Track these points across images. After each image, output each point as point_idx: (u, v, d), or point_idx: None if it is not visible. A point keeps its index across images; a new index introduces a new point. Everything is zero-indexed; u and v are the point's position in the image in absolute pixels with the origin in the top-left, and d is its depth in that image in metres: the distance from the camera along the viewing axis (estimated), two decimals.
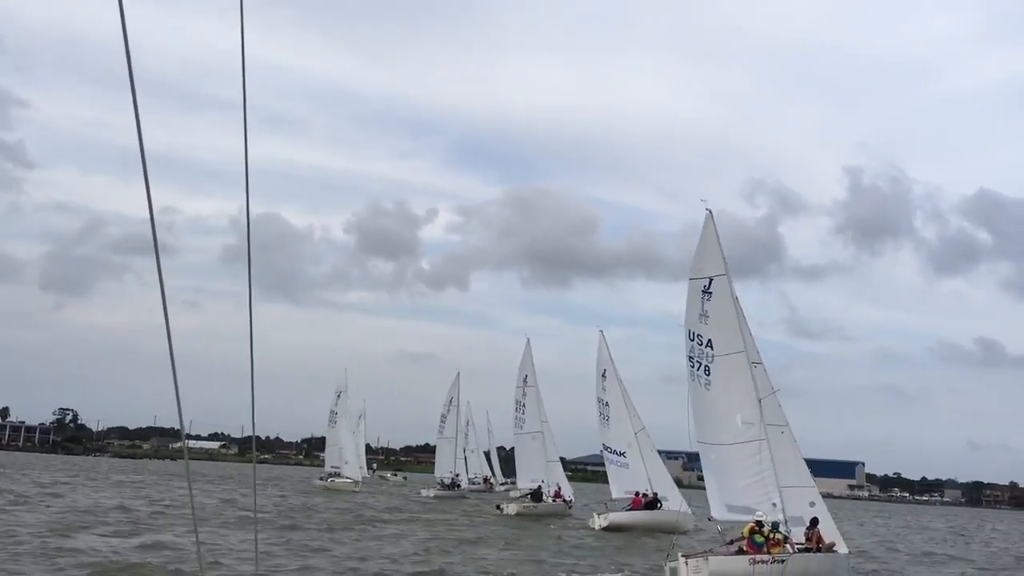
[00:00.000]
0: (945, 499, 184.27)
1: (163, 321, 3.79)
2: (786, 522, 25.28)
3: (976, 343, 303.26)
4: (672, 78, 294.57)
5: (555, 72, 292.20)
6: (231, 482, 73.30)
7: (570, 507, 54.35)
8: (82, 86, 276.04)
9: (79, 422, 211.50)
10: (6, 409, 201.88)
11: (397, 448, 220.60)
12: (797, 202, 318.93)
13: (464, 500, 67.87)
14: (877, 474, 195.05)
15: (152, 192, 3.94)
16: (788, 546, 24.44)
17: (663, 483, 45.50)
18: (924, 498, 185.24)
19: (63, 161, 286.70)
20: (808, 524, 25.61)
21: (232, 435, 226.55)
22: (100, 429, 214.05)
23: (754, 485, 25.87)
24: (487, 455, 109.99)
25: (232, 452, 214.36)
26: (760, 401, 26.47)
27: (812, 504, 26.85)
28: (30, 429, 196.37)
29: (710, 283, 27.30)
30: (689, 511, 44.26)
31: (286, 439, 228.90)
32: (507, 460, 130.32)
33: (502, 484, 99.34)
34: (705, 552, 24.69)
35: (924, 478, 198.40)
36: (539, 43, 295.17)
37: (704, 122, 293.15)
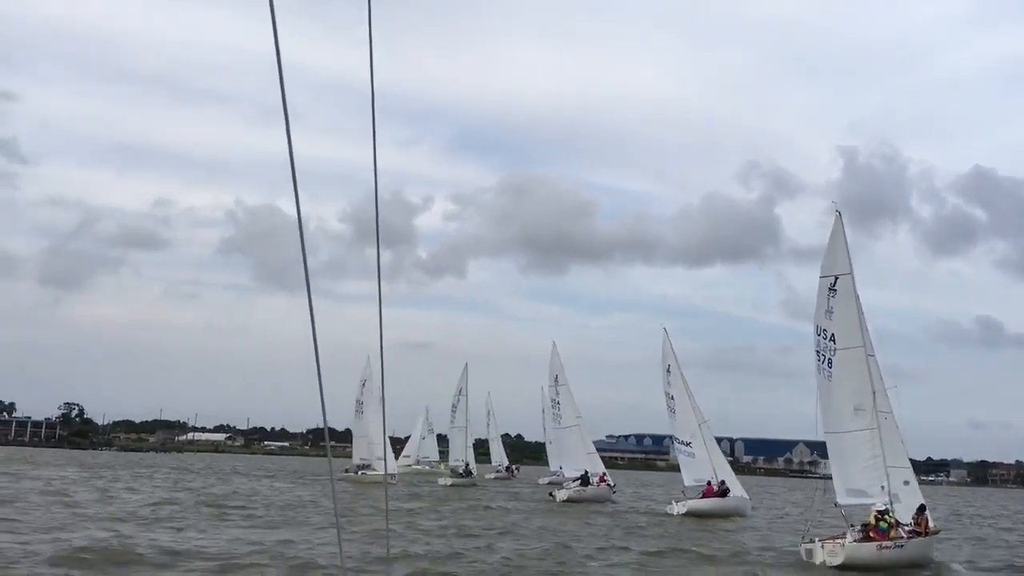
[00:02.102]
0: (951, 479, 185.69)
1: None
2: (891, 503, 27.14)
3: (975, 322, 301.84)
4: (667, 62, 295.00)
5: (550, 57, 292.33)
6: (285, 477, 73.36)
7: (614, 490, 56.73)
8: (73, 79, 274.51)
9: (85, 416, 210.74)
10: (12, 404, 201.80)
11: (402, 437, 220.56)
12: (793, 183, 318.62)
13: (481, 488, 68.64)
14: None
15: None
16: (901, 530, 26.42)
17: (723, 470, 47.70)
18: (930, 478, 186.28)
19: (57, 155, 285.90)
20: (916, 510, 27.63)
21: (238, 427, 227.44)
22: (106, 423, 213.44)
23: (868, 470, 28.05)
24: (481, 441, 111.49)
25: (238, 444, 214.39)
26: (875, 393, 28.48)
27: (906, 483, 29.03)
28: (36, 424, 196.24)
29: (835, 281, 28.94)
30: (747, 497, 47.13)
31: (291, 430, 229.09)
32: (512, 447, 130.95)
33: (506, 469, 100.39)
34: (841, 537, 26.30)
35: (929, 458, 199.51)
36: (535, 28, 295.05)
37: (699, 105, 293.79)
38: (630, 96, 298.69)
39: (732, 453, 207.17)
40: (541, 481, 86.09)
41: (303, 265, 3.55)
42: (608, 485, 56.28)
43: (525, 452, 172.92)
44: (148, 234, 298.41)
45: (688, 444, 48.08)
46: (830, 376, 28.74)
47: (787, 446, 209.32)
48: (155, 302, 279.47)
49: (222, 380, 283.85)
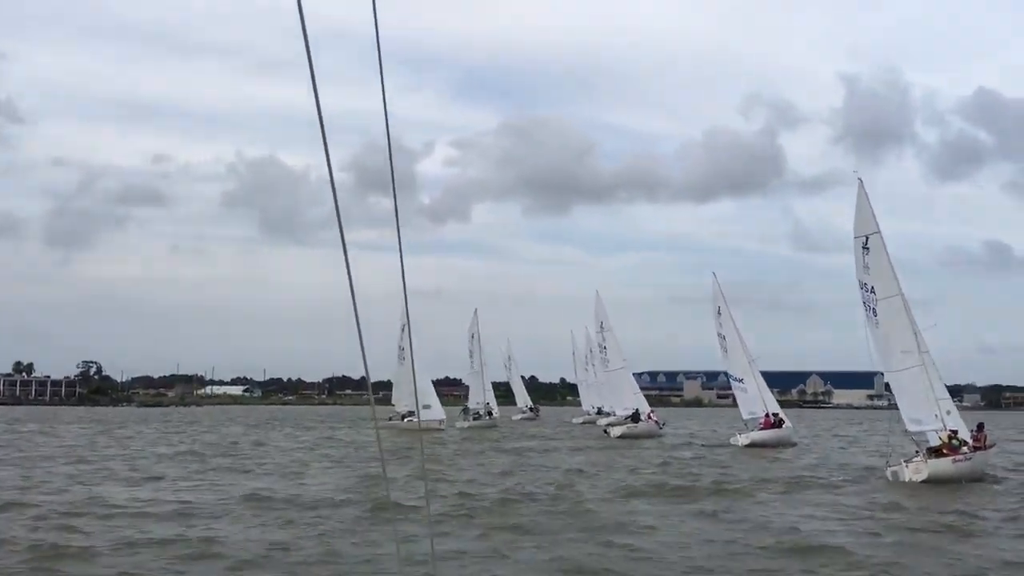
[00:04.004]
0: (964, 403, 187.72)
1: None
2: (944, 427, 30.43)
3: (984, 246, 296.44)
4: None
5: None
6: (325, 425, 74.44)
7: (661, 427, 58.96)
8: (65, 36, 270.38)
9: (103, 374, 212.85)
10: (31, 365, 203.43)
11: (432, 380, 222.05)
12: (794, 113, 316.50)
13: (510, 428, 70.57)
14: None
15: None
16: (965, 448, 29.80)
17: (771, 404, 50.80)
18: None
19: (54, 115, 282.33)
20: (976, 428, 31.26)
21: (254, 378, 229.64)
22: (124, 379, 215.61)
23: (922, 402, 30.93)
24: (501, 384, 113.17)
25: (256, 396, 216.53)
26: (916, 334, 31.61)
27: (948, 412, 31.84)
28: (56, 383, 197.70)
29: (867, 240, 32.29)
30: (792, 426, 50.40)
31: (308, 379, 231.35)
32: (528, 389, 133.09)
33: (531, 410, 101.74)
34: (920, 455, 29.56)
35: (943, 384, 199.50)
36: None
37: (697, 38, 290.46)
38: (627, 32, 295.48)
39: None
40: (575, 420, 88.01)
41: (338, 224, 3.58)
42: (656, 422, 58.66)
43: (540, 393, 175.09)
44: (150, 190, 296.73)
45: (741, 380, 51.08)
46: (877, 324, 31.90)
47: (800, 377, 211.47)
48: (163, 258, 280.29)
49: (236, 333, 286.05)
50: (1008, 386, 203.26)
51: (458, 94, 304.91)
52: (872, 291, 32.04)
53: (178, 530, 17.93)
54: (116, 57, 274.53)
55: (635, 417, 57.92)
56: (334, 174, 3.40)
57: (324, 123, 3.43)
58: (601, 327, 65.83)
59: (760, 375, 52.05)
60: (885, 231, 32.39)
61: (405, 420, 67.18)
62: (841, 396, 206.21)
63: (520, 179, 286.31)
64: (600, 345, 66.79)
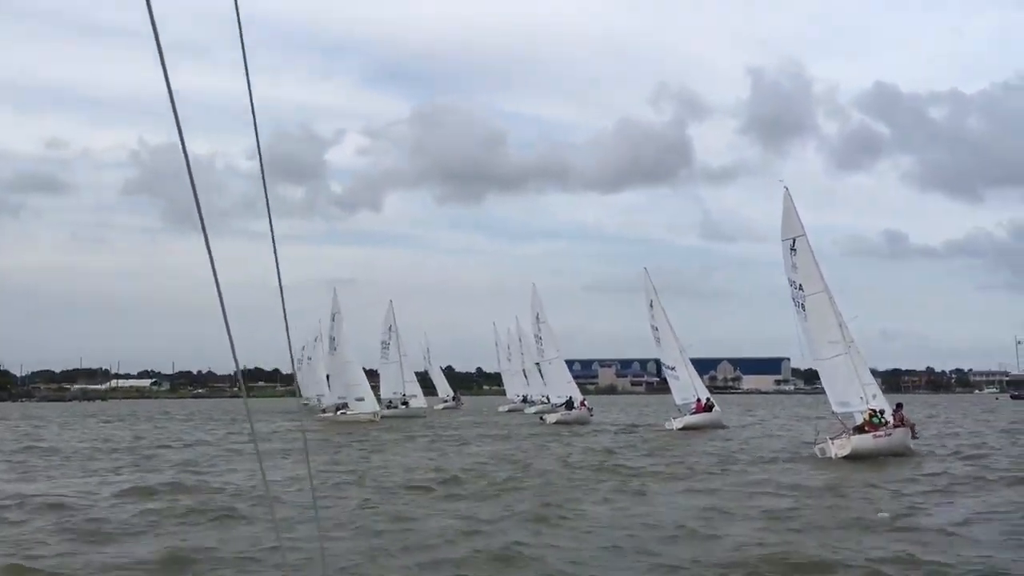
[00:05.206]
0: None
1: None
2: (868, 408, 32.87)
3: (882, 236, 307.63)
4: None
5: None
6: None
7: (592, 413, 61.18)
8: None
9: (1, 368, 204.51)
10: None
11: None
12: (702, 105, 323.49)
13: (422, 419, 68.94)
14: (801, 368, 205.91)
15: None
16: (887, 426, 32.12)
17: (701, 390, 52.87)
18: None
19: None
20: (894, 408, 33.62)
21: (163, 371, 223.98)
22: (24, 374, 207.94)
23: (849, 386, 33.68)
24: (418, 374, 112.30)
25: (164, 389, 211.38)
26: (841, 326, 34.47)
27: (874, 396, 34.46)
28: None
29: (794, 242, 34.90)
30: (721, 410, 52.25)
31: (218, 372, 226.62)
32: (448, 379, 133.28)
33: (453, 399, 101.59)
34: (844, 433, 31.83)
35: None
36: None
37: (608, 28, 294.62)
38: (538, 22, 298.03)
39: (658, 373, 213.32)
40: (501, 409, 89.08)
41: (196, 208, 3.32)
42: (588, 409, 60.98)
43: (457, 383, 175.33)
44: (47, 178, 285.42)
45: (673, 368, 53.16)
46: (806, 318, 34.62)
47: (710, 364, 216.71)
48: (63, 248, 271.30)
49: (142, 326, 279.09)
50: (907, 370, 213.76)
51: (369, 82, 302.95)
52: (800, 288, 34.65)
53: None
54: (11, 38, 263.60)
55: (568, 405, 60.68)
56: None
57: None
58: (537, 319, 68.47)
59: (690, 363, 53.79)
60: None
61: (339, 412, 66.62)
62: (750, 382, 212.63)
63: (433, 168, 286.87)
64: (536, 336, 69.39)
